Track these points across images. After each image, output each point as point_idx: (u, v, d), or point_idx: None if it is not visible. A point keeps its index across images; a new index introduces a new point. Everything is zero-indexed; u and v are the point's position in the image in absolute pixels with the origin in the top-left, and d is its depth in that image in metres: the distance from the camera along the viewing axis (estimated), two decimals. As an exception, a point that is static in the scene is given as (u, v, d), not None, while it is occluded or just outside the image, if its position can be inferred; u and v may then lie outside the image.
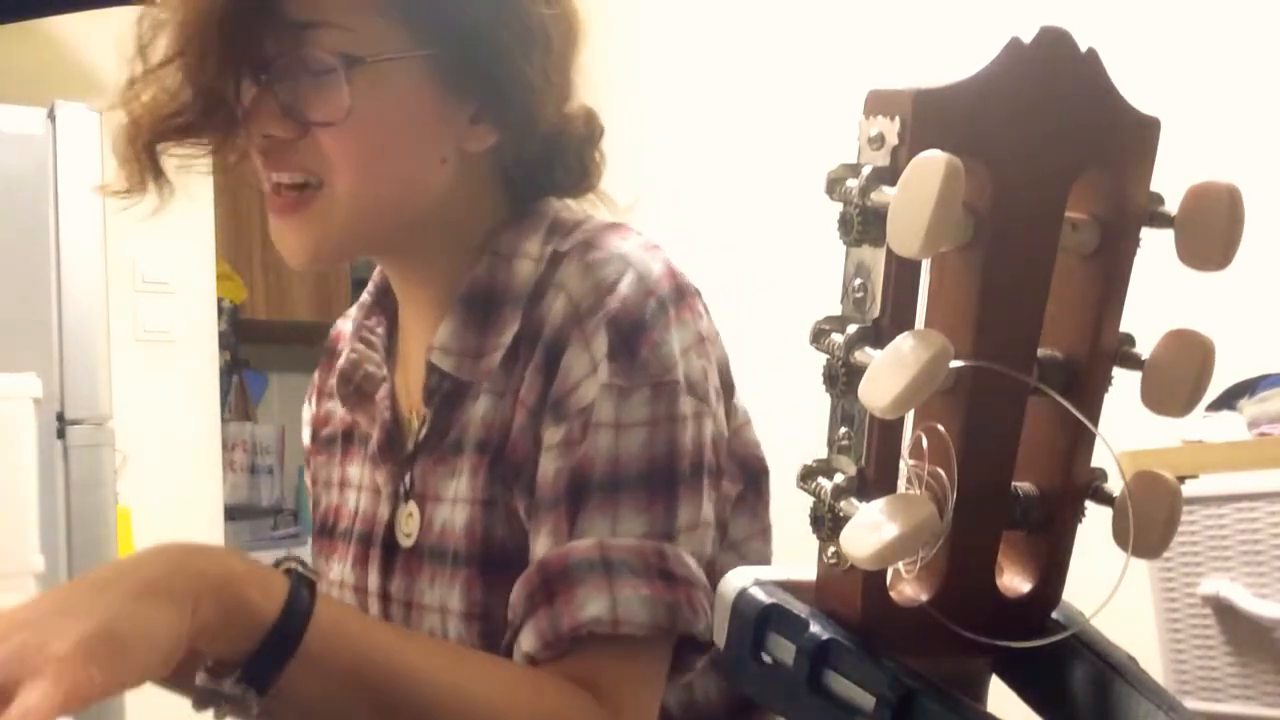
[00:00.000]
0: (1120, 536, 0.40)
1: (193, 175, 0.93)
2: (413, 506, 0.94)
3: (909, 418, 0.38)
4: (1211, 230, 0.39)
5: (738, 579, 0.44)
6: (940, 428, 0.39)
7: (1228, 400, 1.76)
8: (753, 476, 0.97)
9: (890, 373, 0.35)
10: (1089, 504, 0.42)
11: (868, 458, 0.39)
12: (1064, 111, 0.38)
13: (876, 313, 0.38)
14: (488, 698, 0.78)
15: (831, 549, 0.40)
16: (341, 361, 1.02)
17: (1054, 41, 0.38)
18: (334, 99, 0.84)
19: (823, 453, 0.41)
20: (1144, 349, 0.40)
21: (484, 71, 0.88)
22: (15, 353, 2.36)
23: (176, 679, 0.72)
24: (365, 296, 1.06)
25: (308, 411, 1.13)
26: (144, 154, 0.89)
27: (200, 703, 0.73)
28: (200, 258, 3.17)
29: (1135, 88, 0.40)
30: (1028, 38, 0.37)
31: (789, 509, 0.72)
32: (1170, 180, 0.40)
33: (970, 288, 0.38)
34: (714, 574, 0.85)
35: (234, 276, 3.89)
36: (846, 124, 0.45)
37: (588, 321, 0.85)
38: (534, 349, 0.88)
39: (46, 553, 2.21)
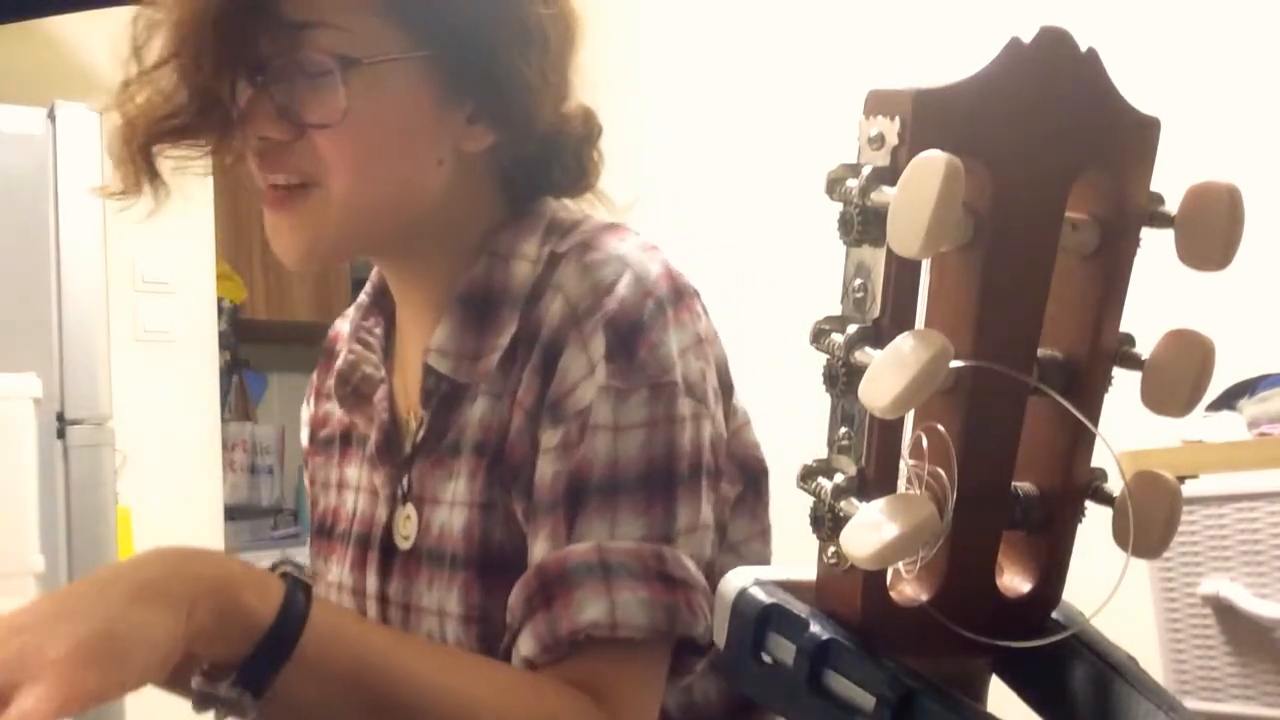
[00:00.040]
0: (1120, 536, 0.40)
1: (190, 176, 0.92)
2: (410, 509, 0.94)
3: (909, 418, 0.38)
4: (1211, 230, 0.39)
5: (738, 579, 0.44)
6: (940, 428, 0.39)
7: (1228, 400, 1.76)
8: (752, 477, 0.97)
9: (890, 373, 0.35)
10: (1089, 504, 0.42)
11: (868, 458, 0.39)
12: (1064, 111, 0.38)
13: (876, 313, 0.38)
14: (486, 702, 0.78)
15: (831, 549, 0.40)
16: (339, 362, 1.01)
17: (1054, 41, 0.38)
18: (330, 100, 0.84)
19: (823, 453, 0.41)
20: (1144, 349, 0.40)
21: (481, 72, 0.87)
22: (15, 353, 2.36)
23: (174, 681, 0.72)
24: (362, 297, 1.05)
25: (306, 412, 1.12)
26: (139, 156, 0.89)
27: (198, 705, 0.73)
28: (200, 258, 3.17)
29: (1135, 88, 0.40)
30: (1028, 38, 0.37)
31: (789, 509, 0.72)
32: (1170, 180, 0.40)
33: (970, 288, 0.38)
34: (713, 576, 0.84)
35: (234, 276, 3.88)
36: (846, 124, 0.45)
37: (585, 323, 0.85)
38: (531, 350, 0.87)
39: (46, 553, 2.22)
